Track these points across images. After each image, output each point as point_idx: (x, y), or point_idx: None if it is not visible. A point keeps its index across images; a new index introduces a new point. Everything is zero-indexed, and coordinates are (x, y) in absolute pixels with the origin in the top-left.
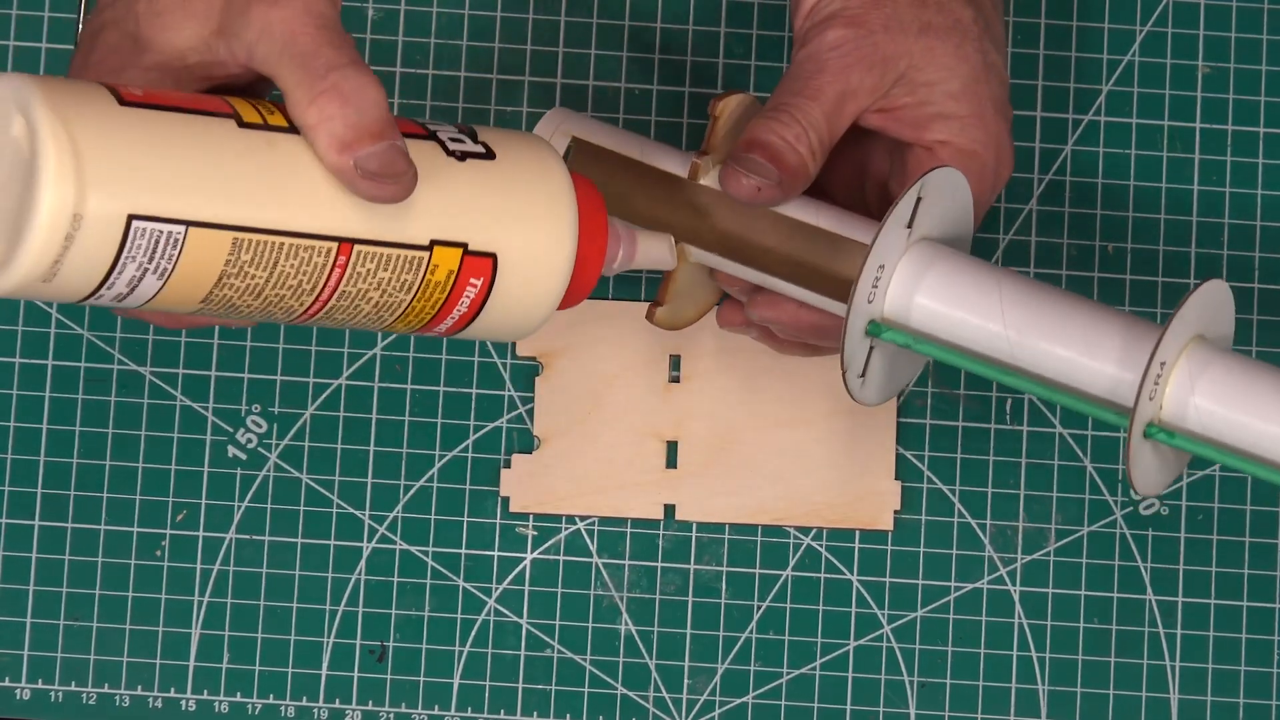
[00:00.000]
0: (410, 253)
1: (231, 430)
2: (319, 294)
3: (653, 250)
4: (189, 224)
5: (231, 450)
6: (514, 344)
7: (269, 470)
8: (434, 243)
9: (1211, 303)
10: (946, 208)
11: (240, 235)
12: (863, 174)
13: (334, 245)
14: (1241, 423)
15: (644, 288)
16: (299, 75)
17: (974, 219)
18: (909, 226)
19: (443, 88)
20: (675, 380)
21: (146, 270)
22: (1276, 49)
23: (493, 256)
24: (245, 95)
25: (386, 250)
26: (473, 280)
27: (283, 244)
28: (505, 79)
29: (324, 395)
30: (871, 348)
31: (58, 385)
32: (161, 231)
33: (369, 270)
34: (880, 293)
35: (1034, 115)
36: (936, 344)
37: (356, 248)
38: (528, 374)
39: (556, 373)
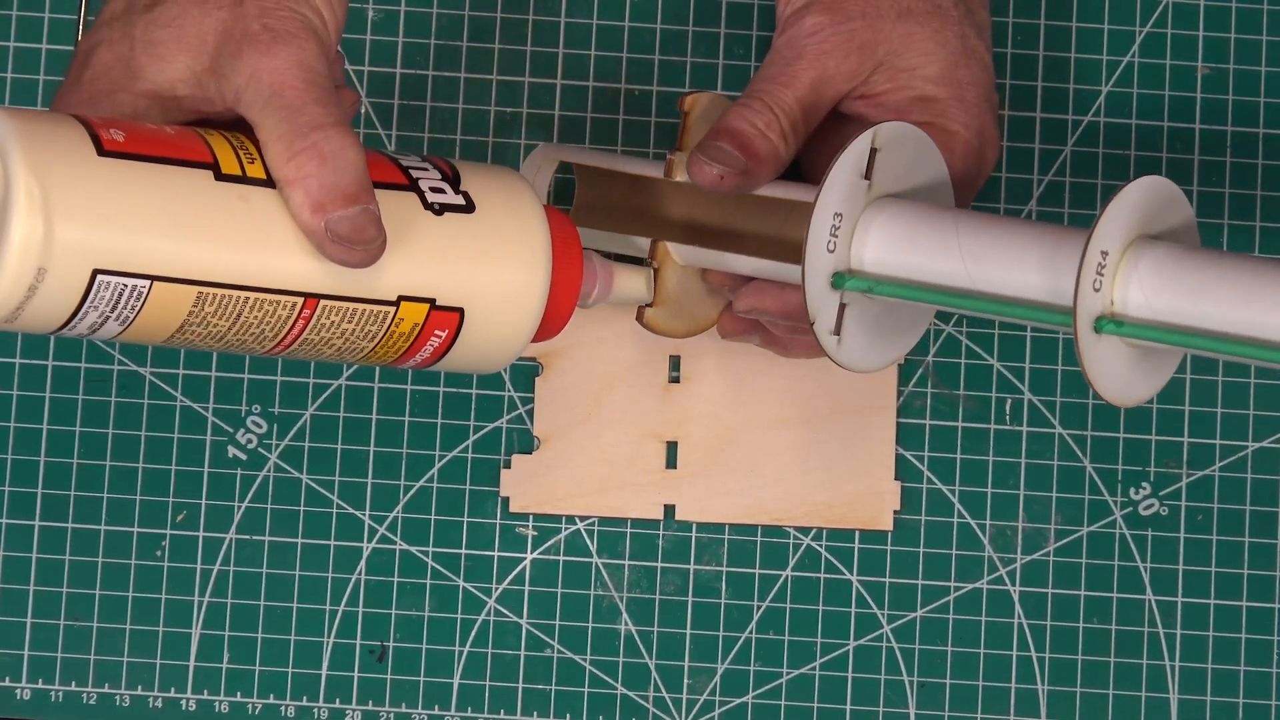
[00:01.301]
0: (376, 307)
1: (231, 431)
2: (280, 340)
3: (629, 285)
4: (154, 279)
5: (232, 450)
6: None
7: (269, 470)
8: (401, 299)
9: (1152, 195)
10: (911, 166)
11: (205, 290)
12: None
13: (299, 300)
14: (1187, 304)
15: None
16: (281, 129)
17: (963, 203)
18: (867, 179)
19: (442, 88)
20: (675, 381)
21: (109, 317)
22: (1276, 50)
23: (460, 310)
24: (233, 130)
25: (352, 305)
26: (437, 331)
27: (247, 298)
28: (505, 79)
29: (324, 395)
30: (844, 304)
31: (58, 386)
32: (125, 285)
33: (333, 322)
34: (842, 244)
35: (1034, 116)
36: (897, 284)
37: (322, 302)
38: (528, 374)
39: (556, 373)
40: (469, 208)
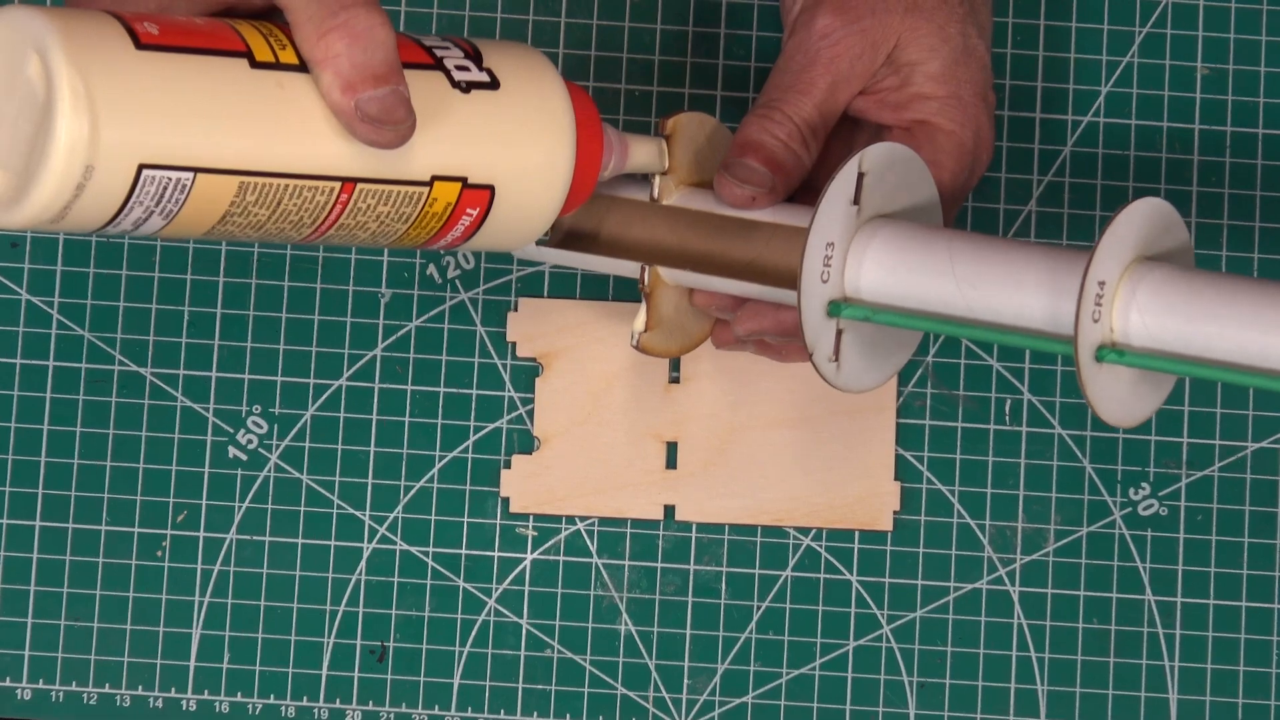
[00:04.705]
0: (411, 188)
1: (232, 431)
2: (318, 227)
3: (642, 154)
4: (197, 170)
5: (232, 451)
6: (514, 345)
7: (269, 471)
8: (434, 178)
9: (1148, 220)
10: (898, 185)
11: (246, 179)
12: None
13: (337, 185)
14: (1187, 329)
15: None
16: (311, 9)
17: (955, 203)
18: (856, 204)
19: None
20: (675, 381)
21: (153, 212)
22: (1275, 50)
23: (491, 188)
24: (260, 20)
25: (388, 187)
26: (469, 210)
27: (287, 185)
28: None
29: (324, 396)
30: (840, 330)
31: (58, 386)
32: (170, 178)
33: (369, 205)
34: (835, 271)
35: (1033, 116)
36: (895, 311)
37: (359, 186)
38: (528, 374)
39: (556, 373)
40: (494, 84)
